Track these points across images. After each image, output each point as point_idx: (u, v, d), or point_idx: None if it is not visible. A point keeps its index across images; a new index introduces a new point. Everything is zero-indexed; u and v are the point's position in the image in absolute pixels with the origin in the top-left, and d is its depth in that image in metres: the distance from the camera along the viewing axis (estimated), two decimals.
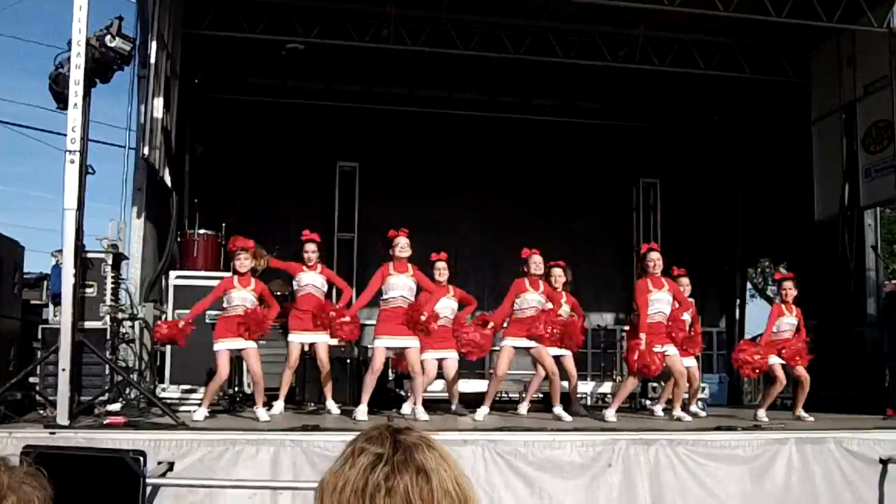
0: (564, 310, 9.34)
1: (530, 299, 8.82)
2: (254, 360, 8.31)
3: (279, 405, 8.98)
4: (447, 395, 9.49)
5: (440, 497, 1.59)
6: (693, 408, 9.84)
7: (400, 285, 8.43)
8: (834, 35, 11.76)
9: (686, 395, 9.63)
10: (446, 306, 9.14)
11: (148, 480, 5.56)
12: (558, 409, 8.84)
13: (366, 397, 8.31)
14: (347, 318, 8.46)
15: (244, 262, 8.30)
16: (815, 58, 12.43)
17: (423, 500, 1.57)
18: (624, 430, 7.20)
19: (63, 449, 1.78)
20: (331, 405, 8.95)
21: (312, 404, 9.74)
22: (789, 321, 9.12)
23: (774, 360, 9.09)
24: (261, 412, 8.16)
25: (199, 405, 8.16)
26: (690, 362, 9.71)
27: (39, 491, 1.55)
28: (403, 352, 8.54)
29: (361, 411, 8.14)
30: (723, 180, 14.90)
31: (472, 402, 10.84)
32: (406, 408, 9.10)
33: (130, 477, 1.71)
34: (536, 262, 8.87)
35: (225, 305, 8.31)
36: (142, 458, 1.71)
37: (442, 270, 9.19)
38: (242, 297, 8.24)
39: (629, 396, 9.72)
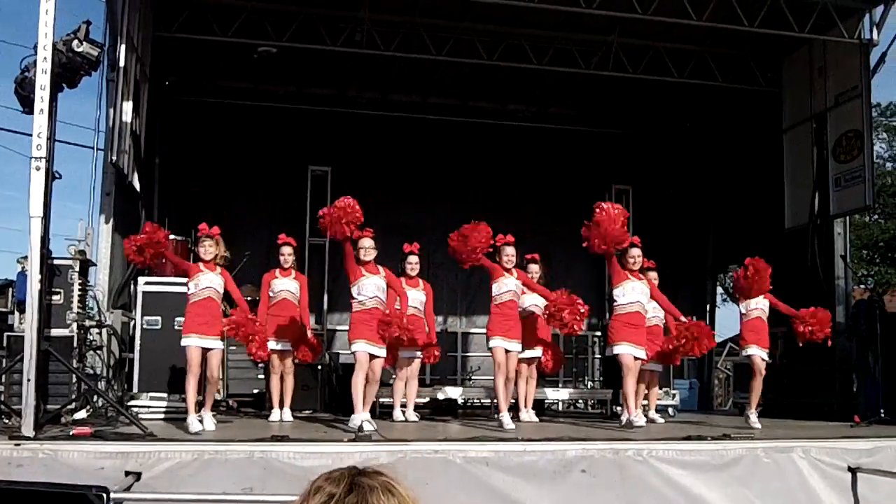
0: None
1: (508, 283, 8.72)
2: (215, 362, 7.97)
3: (283, 413, 9.03)
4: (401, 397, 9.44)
5: None
6: (651, 413, 9.94)
7: (372, 287, 8.18)
8: (806, 45, 11.88)
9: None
10: (415, 298, 9.18)
11: (113, 496, 5.51)
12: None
13: (358, 398, 7.85)
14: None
15: (208, 249, 8.04)
16: (787, 67, 12.54)
17: None
18: (594, 438, 7.21)
19: (23, 485, 1.72)
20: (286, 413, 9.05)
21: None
22: (760, 304, 9.15)
23: (753, 351, 9.12)
24: (193, 420, 7.66)
25: (191, 413, 7.73)
26: (655, 367, 9.79)
27: None
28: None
29: (358, 417, 7.65)
30: (695, 187, 14.98)
31: (446, 409, 10.90)
32: (397, 413, 9.18)
33: None
34: (508, 254, 8.79)
35: (192, 291, 7.93)
36: (105, 495, 1.66)
37: (414, 265, 9.20)
38: (210, 280, 7.94)
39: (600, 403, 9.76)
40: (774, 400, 11.40)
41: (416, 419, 9.17)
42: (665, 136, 15.15)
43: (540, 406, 10.45)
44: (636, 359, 8.67)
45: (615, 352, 8.84)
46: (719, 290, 16.04)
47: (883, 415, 9.29)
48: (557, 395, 11.86)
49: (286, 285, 9.10)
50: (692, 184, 15.00)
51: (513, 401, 9.66)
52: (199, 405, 7.99)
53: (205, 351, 7.85)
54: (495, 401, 8.89)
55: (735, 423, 9.00)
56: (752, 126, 13.52)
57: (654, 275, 9.86)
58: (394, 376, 9.36)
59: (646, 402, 9.94)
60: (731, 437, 7.36)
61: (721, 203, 14.54)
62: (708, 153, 14.85)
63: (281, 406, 9.05)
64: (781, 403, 11.24)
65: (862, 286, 22.09)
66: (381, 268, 8.45)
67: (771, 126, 12.72)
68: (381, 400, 9.68)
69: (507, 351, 8.60)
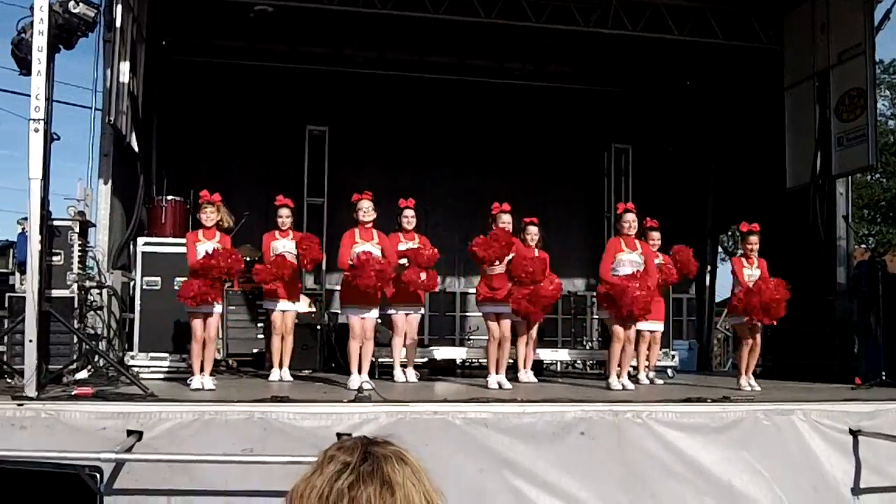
0: None
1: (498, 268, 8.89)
2: (214, 324, 8.23)
3: (283, 373, 9.09)
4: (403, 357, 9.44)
5: None
6: (651, 374, 9.99)
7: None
8: (808, 1, 11.73)
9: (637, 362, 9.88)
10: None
11: (115, 456, 5.54)
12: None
13: (354, 364, 8.39)
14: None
15: (210, 216, 8.25)
16: (789, 24, 12.37)
17: None
18: (594, 400, 7.22)
19: (15, 464, 1.71)
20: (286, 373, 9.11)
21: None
22: (751, 273, 9.11)
23: (737, 321, 9.15)
24: (195, 379, 8.03)
25: (196, 374, 8.06)
26: (656, 326, 9.81)
27: None
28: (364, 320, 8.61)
29: (355, 380, 8.15)
30: (695, 146, 14.90)
31: (441, 369, 10.94)
32: (398, 374, 9.20)
33: (87, 493, 1.65)
34: (505, 221, 8.87)
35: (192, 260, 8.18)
36: (98, 475, 1.65)
37: (410, 218, 9.21)
38: (208, 248, 8.14)
39: (599, 364, 9.79)
40: (775, 361, 11.42)
41: (416, 379, 9.21)
42: (665, 94, 15.05)
43: (538, 367, 10.47)
44: (630, 325, 8.75)
45: (604, 316, 9.01)
46: (719, 250, 15.97)
47: (884, 377, 9.31)
48: (556, 355, 11.90)
49: (285, 246, 9.12)
50: (692, 143, 14.92)
51: (511, 361, 9.70)
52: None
53: (205, 316, 7.97)
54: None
55: (734, 385, 9.02)
56: (754, 84, 13.41)
57: (656, 235, 9.87)
58: (391, 335, 9.36)
59: (647, 362, 9.96)
60: (730, 400, 7.38)
61: (721, 162, 14.48)
62: (708, 112, 14.76)
63: (280, 366, 9.09)
64: (781, 365, 11.26)
65: (863, 246, 22.09)
66: (375, 232, 8.60)
67: (772, 84, 12.60)
68: (380, 360, 9.73)
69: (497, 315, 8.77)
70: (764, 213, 11.97)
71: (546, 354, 11.30)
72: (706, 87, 14.76)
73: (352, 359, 8.47)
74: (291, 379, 9.04)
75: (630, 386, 8.80)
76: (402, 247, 9.01)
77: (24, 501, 1.40)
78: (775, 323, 8.88)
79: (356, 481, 1.60)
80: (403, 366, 9.27)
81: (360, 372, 8.40)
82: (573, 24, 11.98)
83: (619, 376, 8.81)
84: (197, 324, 8.05)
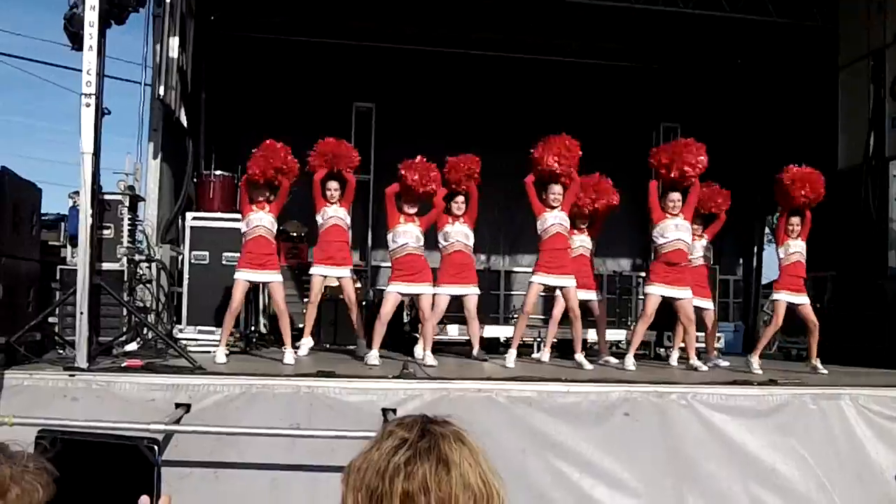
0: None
1: (550, 218, 8.81)
2: (277, 294, 8.41)
3: (307, 342, 9.15)
4: (468, 337, 9.45)
5: (458, 490, 1.61)
6: (713, 357, 9.83)
7: (408, 233, 8.60)
8: None
9: (703, 343, 9.67)
10: (461, 232, 9.14)
11: (164, 427, 5.64)
12: (580, 357, 8.82)
13: (377, 342, 8.38)
14: None
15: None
16: (844, 2, 12.11)
17: (440, 489, 1.60)
18: (639, 381, 7.17)
19: (77, 435, 1.75)
20: (360, 346, 9.05)
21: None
22: (797, 245, 9.05)
23: (781, 297, 9.03)
24: (288, 353, 8.24)
25: (218, 345, 8.25)
26: (707, 304, 9.66)
27: (42, 478, 1.53)
28: (417, 298, 8.67)
29: (373, 356, 8.22)
30: (745, 126, 14.66)
31: (488, 348, 10.91)
32: (418, 351, 9.15)
33: (144, 464, 1.68)
34: (555, 192, 8.87)
35: (245, 230, 8.38)
36: (156, 447, 1.69)
37: (460, 203, 9.18)
38: (259, 218, 8.36)
39: (643, 344, 9.68)
40: (821, 345, 11.27)
41: (485, 358, 9.13)
42: (715, 73, 14.81)
43: (582, 346, 10.40)
44: (676, 300, 8.67)
45: (645, 292, 8.95)
46: (766, 231, 15.74)
47: None
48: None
49: (336, 212, 9.14)
50: (743, 123, 14.68)
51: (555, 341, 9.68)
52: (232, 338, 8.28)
53: (263, 285, 8.08)
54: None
55: (780, 367, 8.93)
56: (806, 63, 13.13)
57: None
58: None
59: (701, 343, 9.65)
60: (777, 383, 7.32)
61: (772, 143, 14.24)
62: (759, 91, 14.50)
63: (312, 335, 9.26)
64: (828, 349, 11.11)
65: None
66: (416, 217, 8.70)
67: (826, 63, 12.34)
68: (437, 337, 9.70)
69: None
70: None
71: (590, 335, 11.24)
72: (757, 65, 14.50)
73: (376, 334, 8.42)
74: (307, 352, 9.14)
75: (703, 368, 8.75)
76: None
77: (80, 470, 1.44)
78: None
79: (413, 457, 1.62)
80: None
81: (425, 349, 8.50)
82: (623, 0, 11.83)
83: (686, 361, 8.83)
84: (238, 289, 8.18)
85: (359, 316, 9.23)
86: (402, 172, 8.61)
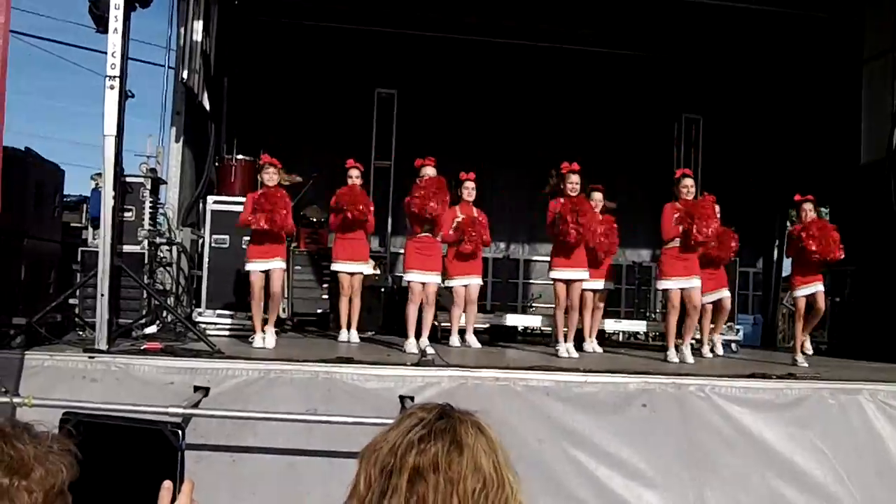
0: None
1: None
2: (277, 280, 8.26)
3: (350, 334, 9.12)
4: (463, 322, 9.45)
5: (468, 471, 1.62)
6: (719, 347, 9.85)
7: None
8: None
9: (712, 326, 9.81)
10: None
11: (182, 410, 5.67)
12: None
13: (411, 328, 8.50)
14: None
15: (272, 176, 8.31)
16: None
17: (450, 468, 1.62)
18: (657, 372, 7.15)
19: (100, 418, 1.76)
20: (354, 334, 9.11)
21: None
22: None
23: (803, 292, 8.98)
24: (258, 337, 8.12)
25: (258, 331, 8.17)
26: (723, 293, 9.68)
27: (66, 460, 1.54)
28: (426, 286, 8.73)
29: (411, 344, 8.32)
30: (767, 119, 14.56)
31: (502, 336, 10.92)
32: (454, 339, 9.28)
33: (168, 449, 1.69)
34: (573, 182, 8.74)
35: (251, 219, 8.21)
36: (180, 432, 1.69)
37: (470, 190, 9.20)
38: None
39: (659, 336, 9.69)
40: (842, 339, 11.21)
41: (479, 345, 9.22)
42: (738, 65, 14.69)
43: (601, 336, 10.41)
44: (684, 289, 8.68)
45: (661, 287, 8.94)
46: (788, 225, 15.64)
47: None
48: (618, 325, 11.82)
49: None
50: (765, 115, 14.58)
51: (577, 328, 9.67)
52: (265, 322, 8.19)
53: (267, 273, 8.07)
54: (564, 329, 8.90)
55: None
56: (830, 56, 13.01)
57: (598, 196, 9.65)
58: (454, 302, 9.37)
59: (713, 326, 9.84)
60: (795, 377, 7.28)
61: (794, 136, 14.14)
62: (782, 84, 14.39)
63: (348, 327, 9.17)
64: (849, 343, 11.04)
65: None
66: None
67: (849, 57, 12.21)
68: (442, 324, 9.76)
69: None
70: (836, 188, 11.67)
71: (609, 325, 11.24)
72: (781, 58, 14.38)
73: (409, 322, 8.56)
74: (359, 340, 9.09)
75: (690, 360, 8.70)
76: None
77: (103, 453, 1.44)
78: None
79: (427, 435, 1.65)
80: (462, 332, 9.30)
81: (419, 337, 8.50)
82: None
83: (678, 349, 8.75)
84: (255, 281, 8.10)
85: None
86: (406, 201, 8.69)
